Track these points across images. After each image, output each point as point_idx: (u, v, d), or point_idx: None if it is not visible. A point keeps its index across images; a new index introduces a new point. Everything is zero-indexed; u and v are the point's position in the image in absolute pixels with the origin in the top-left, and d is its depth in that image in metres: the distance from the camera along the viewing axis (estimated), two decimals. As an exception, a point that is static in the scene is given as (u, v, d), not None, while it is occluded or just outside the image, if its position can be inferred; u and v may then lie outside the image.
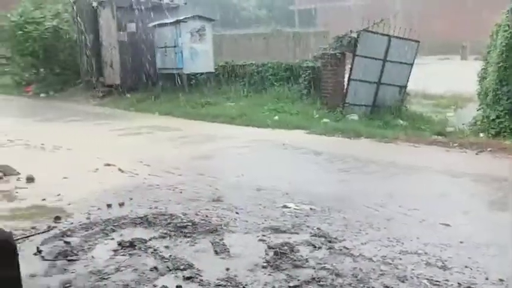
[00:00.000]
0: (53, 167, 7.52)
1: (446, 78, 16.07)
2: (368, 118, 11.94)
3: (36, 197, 5.98)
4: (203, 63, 14.82)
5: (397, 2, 33.52)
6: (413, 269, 3.79)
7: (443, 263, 3.93)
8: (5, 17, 18.16)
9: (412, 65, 12.90)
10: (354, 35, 12.34)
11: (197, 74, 14.89)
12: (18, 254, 2.15)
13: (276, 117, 11.75)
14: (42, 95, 17.63)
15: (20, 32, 17.37)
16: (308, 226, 4.69)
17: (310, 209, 5.35)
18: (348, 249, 4.13)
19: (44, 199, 5.87)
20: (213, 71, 15.08)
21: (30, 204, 5.72)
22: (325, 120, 11.46)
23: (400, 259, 3.98)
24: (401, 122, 11.80)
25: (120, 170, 7.40)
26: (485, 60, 11.21)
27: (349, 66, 12.47)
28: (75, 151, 8.82)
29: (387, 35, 12.57)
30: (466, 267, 3.86)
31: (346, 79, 12.51)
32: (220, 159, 8.35)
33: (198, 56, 14.68)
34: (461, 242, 4.35)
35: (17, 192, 6.24)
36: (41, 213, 5.34)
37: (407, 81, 12.90)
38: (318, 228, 4.60)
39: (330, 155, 8.32)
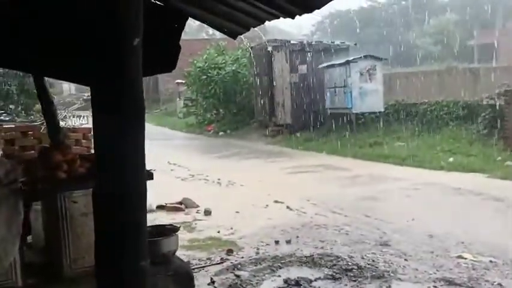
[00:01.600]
0: (227, 201, 8.03)
1: None
2: (562, 162, 10.53)
3: (212, 229, 6.43)
4: (372, 102, 14.66)
5: None
6: None
7: None
8: (191, 64, 20.29)
9: None
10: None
11: (366, 113, 14.76)
12: (194, 285, 2.34)
13: (451, 159, 11.02)
14: (220, 133, 19.11)
15: (204, 77, 19.25)
16: (487, 281, 4.25)
17: (490, 261, 4.85)
18: (536, 311, 3.63)
19: (218, 231, 6.28)
20: (383, 110, 14.80)
21: (207, 235, 6.15)
22: (509, 163, 10.40)
23: None
24: None
25: (288, 207, 7.60)
26: None
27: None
28: (247, 187, 9.32)
29: None
30: None
31: (534, 118, 11.27)
32: (388, 201, 8.05)
33: (368, 95, 14.58)
34: None
35: (195, 224, 6.77)
36: (215, 245, 5.71)
37: None
38: (499, 284, 4.14)
39: (515, 203, 7.49)
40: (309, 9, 3.70)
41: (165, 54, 4.16)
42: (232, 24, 4.47)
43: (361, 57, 15.02)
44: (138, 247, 1.54)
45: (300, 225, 6.53)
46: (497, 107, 12.01)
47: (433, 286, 4.13)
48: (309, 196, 8.18)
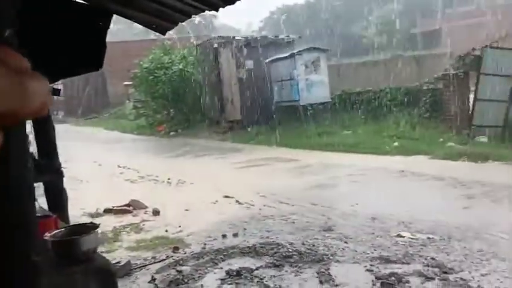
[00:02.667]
0: (177, 200, 7.98)
1: None
2: (499, 140, 11.03)
3: (159, 228, 6.38)
4: (319, 93, 14.89)
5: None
6: (542, 305, 3.38)
7: None
8: (138, 65, 19.99)
9: (547, 79, 11.74)
10: (477, 52, 11.61)
11: (314, 104, 14.97)
12: (117, 283, 2.33)
13: (396, 143, 11.35)
14: (171, 133, 18.94)
15: (151, 77, 19.00)
16: (421, 256, 4.41)
17: (428, 238, 5.04)
18: (464, 280, 3.80)
19: (166, 230, 6.24)
20: (330, 100, 15.06)
21: (154, 235, 6.09)
22: (449, 144, 10.82)
23: (527, 292, 3.57)
24: (538, 142, 10.73)
25: (237, 201, 7.63)
26: None
27: (474, 86, 11.71)
28: (198, 184, 9.28)
29: (516, 49, 11.63)
30: None
31: (471, 100, 11.75)
32: (335, 188, 8.24)
33: (314, 86, 14.79)
34: None
35: (143, 225, 6.70)
36: (162, 244, 5.66)
37: (544, 97, 11.73)
38: (432, 258, 4.30)
39: (454, 181, 7.80)
40: (231, 1, 3.74)
41: (90, 54, 4.09)
42: (160, 20, 4.45)
43: (305, 49, 15.20)
44: (27, 242, 1.52)
45: (248, 217, 6.57)
46: (437, 91, 12.44)
47: (370, 265, 4.25)
48: (259, 189, 8.24)
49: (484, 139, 11.12)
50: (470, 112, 11.68)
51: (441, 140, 11.25)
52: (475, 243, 4.77)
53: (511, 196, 6.62)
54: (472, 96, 11.73)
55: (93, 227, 2.37)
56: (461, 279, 3.84)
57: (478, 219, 5.65)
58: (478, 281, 3.80)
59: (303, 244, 4.95)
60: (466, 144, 10.72)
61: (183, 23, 4.60)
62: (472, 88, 11.81)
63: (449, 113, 11.93)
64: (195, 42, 19.14)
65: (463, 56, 11.97)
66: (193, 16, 4.42)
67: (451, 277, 3.88)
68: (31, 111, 0.49)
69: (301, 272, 4.19)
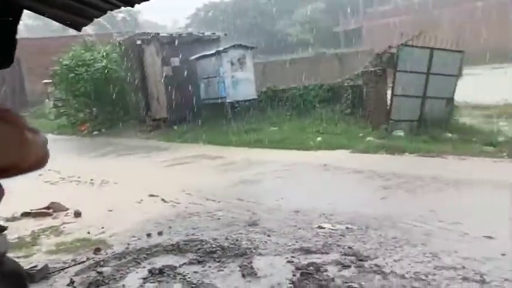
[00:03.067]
0: (100, 201, 7.78)
1: (500, 88, 15.30)
2: (414, 133, 11.64)
3: (81, 230, 6.21)
4: (245, 90, 14.99)
5: (445, 15, 32.76)
6: (448, 284, 3.63)
7: (481, 276, 3.73)
8: (57, 62, 19.15)
9: (457, 76, 12.52)
10: (393, 50, 12.17)
11: (240, 101, 15.06)
12: (28, 286, 2.24)
13: (319, 139, 11.67)
14: (95, 132, 18.35)
15: (72, 75, 18.26)
16: (339, 245, 4.59)
17: (346, 228, 5.25)
18: (378, 266, 4.01)
19: (88, 232, 6.07)
20: (256, 97, 15.21)
21: (75, 238, 5.91)
22: (369, 138, 11.26)
23: (435, 274, 3.82)
24: (449, 135, 11.43)
25: (163, 200, 7.55)
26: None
27: (392, 82, 12.27)
28: (122, 184, 9.09)
29: (428, 48, 12.28)
30: (506, 280, 3.65)
31: (389, 95, 12.30)
32: (260, 183, 8.35)
33: (240, 83, 14.87)
34: (503, 255, 4.13)
35: (64, 227, 6.48)
36: (83, 246, 5.51)
37: (454, 92, 12.51)
38: (349, 247, 4.50)
39: (372, 173, 8.15)
40: (146, -3, 3.71)
41: (0, 50, 3.89)
42: (75, 15, 4.31)
43: (231, 46, 15.24)
44: None
45: (174, 216, 6.53)
46: (357, 88, 12.92)
47: (291, 256, 4.37)
48: (185, 187, 8.20)
49: (401, 133, 11.68)
50: (388, 107, 12.22)
51: (361, 134, 11.69)
52: (390, 232, 5.02)
53: (423, 186, 7.03)
54: (389, 92, 12.28)
55: (0, 229, 2.27)
56: (376, 265, 4.04)
57: (393, 209, 5.95)
58: (391, 266, 4.02)
59: (227, 239, 5.00)
60: (384, 138, 11.22)
61: (100, 19, 4.50)
62: (390, 84, 12.36)
63: (368, 108, 12.43)
64: (118, 39, 18.63)
65: (380, 53, 12.49)
66: (116, 12, 4.35)
67: (366, 264, 4.07)
68: (31, 164, 0.51)
69: (224, 267, 4.24)
